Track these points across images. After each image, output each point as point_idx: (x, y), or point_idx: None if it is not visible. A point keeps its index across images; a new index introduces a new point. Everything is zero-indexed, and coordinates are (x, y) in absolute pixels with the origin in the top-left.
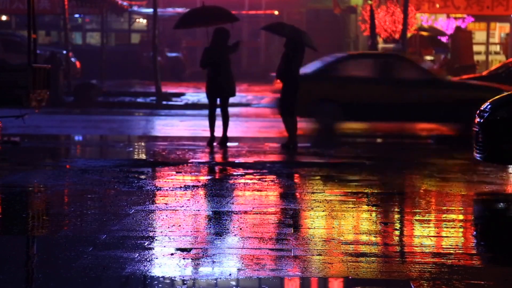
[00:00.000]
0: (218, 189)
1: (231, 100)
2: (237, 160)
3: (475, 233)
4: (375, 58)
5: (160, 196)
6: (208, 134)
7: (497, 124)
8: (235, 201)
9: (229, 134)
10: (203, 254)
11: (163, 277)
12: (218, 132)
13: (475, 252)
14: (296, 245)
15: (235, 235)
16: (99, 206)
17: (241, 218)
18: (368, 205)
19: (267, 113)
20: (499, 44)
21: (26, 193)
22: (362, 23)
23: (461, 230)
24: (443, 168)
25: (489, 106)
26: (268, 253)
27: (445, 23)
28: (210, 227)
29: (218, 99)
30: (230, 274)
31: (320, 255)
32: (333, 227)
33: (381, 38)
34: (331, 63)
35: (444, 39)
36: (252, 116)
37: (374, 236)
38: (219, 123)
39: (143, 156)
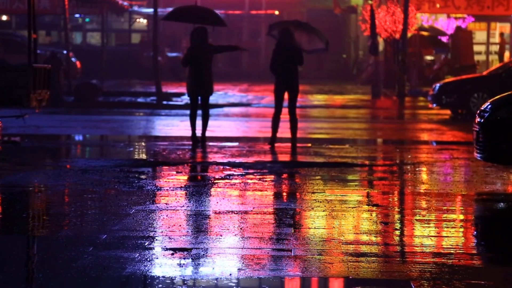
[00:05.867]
0: (218, 189)
1: (232, 100)
2: (237, 160)
3: (475, 233)
4: None
5: (160, 196)
6: (208, 134)
7: (497, 124)
8: (235, 201)
9: (230, 134)
10: (203, 254)
11: (163, 277)
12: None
13: (475, 252)
14: (296, 245)
15: (235, 235)
16: (100, 206)
17: (241, 218)
18: (368, 205)
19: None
20: (498, 44)
21: (26, 193)
22: (363, 23)
23: (461, 230)
24: (443, 167)
25: (489, 106)
26: (268, 253)
27: (445, 23)
28: (210, 227)
29: (200, 98)
30: (230, 274)
31: (320, 255)
32: (333, 227)
33: (382, 38)
34: None
35: (444, 39)
36: (253, 116)
37: (374, 236)
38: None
39: (143, 156)
